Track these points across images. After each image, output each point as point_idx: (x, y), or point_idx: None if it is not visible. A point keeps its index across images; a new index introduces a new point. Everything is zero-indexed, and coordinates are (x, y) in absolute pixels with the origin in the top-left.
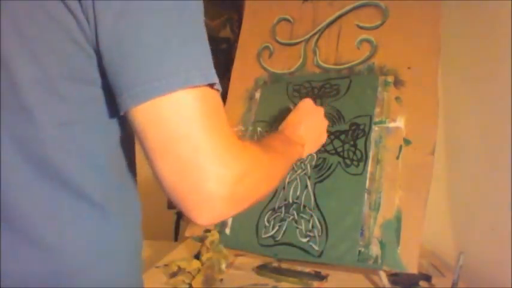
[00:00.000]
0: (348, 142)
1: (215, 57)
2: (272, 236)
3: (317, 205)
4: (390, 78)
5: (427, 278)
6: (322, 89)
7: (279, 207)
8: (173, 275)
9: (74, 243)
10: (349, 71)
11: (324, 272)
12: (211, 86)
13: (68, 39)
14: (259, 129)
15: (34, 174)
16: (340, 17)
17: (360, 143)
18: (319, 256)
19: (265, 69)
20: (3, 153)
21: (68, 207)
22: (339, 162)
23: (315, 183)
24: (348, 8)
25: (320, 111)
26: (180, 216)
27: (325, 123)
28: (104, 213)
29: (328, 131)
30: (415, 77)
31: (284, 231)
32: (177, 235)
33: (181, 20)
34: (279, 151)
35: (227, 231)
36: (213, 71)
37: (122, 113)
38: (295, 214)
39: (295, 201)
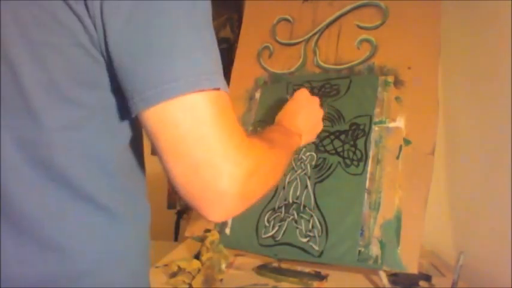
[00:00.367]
0: (348, 142)
1: None
2: (272, 236)
3: (317, 205)
4: (390, 78)
5: (427, 278)
6: (322, 89)
7: (279, 207)
8: (173, 275)
9: (83, 245)
10: (349, 71)
11: (324, 272)
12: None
13: (74, 43)
14: (259, 129)
15: (40, 177)
16: (340, 17)
17: (360, 143)
18: (319, 256)
19: (265, 69)
20: (10, 156)
21: (75, 209)
22: (339, 162)
23: (315, 183)
24: (348, 8)
25: (316, 101)
26: (180, 216)
27: (320, 112)
28: (111, 216)
29: (328, 131)
30: (415, 77)
31: (284, 231)
32: (177, 235)
33: (190, 22)
34: (280, 144)
35: (227, 231)
36: (221, 73)
37: (133, 116)
38: (295, 214)
39: (295, 201)
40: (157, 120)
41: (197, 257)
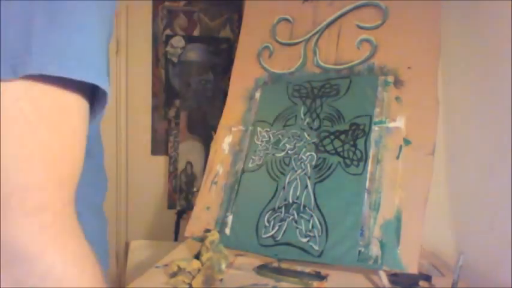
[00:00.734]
0: (348, 142)
1: (215, 57)
2: (272, 236)
3: (317, 205)
4: (390, 78)
5: (427, 278)
6: (322, 89)
7: (279, 207)
8: (173, 275)
9: None
10: (349, 71)
11: (324, 272)
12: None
13: None
14: (259, 129)
15: None
16: (340, 17)
17: (360, 143)
18: (319, 256)
19: (265, 69)
20: None
21: None
22: (339, 162)
23: (315, 183)
24: (348, 8)
25: None
26: (180, 216)
27: None
28: None
29: (328, 131)
30: (415, 77)
31: (284, 231)
32: (177, 235)
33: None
34: None
35: (227, 231)
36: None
37: None
38: (295, 214)
39: (295, 201)
40: None
41: (197, 257)
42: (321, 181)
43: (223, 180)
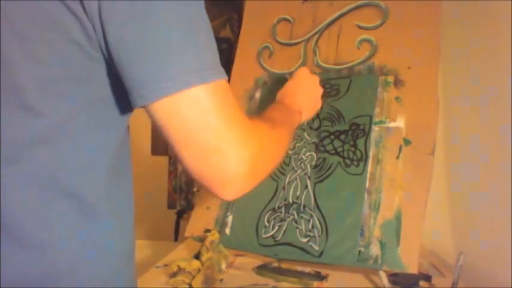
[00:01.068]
0: (348, 142)
1: None
2: (272, 236)
3: (317, 205)
4: (390, 78)
5: (427, 278)
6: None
7: (279, 207)
8: (173, 275)
9: (64, 243)
10: (349, 71)
11: (324, 272)
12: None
13: (67, 39)
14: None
15: (21, 174)
16: (340, 17)
17: (360, 143)
18: (319, 256)
19: (265, 69)
20: None
21: (57, 206)
22: (339, 162)
23: (315, 183)
24: (348, 8)
25: (316, 79)
26: (180, 216)
27: (320, 90)
28: (95, 213)
29: (328, 131)
30: (415, 77)
31: (284, 231)
32: (177, 235)
33: (184, 21)
34: (282, 122)
35: (227, 231)
36: (217, 65)
37: (134, 108)
38: (295, 214)
39: (295, 201)
40: (165, 114)
41: (197, 257)
42: (321, 181)
43: None
